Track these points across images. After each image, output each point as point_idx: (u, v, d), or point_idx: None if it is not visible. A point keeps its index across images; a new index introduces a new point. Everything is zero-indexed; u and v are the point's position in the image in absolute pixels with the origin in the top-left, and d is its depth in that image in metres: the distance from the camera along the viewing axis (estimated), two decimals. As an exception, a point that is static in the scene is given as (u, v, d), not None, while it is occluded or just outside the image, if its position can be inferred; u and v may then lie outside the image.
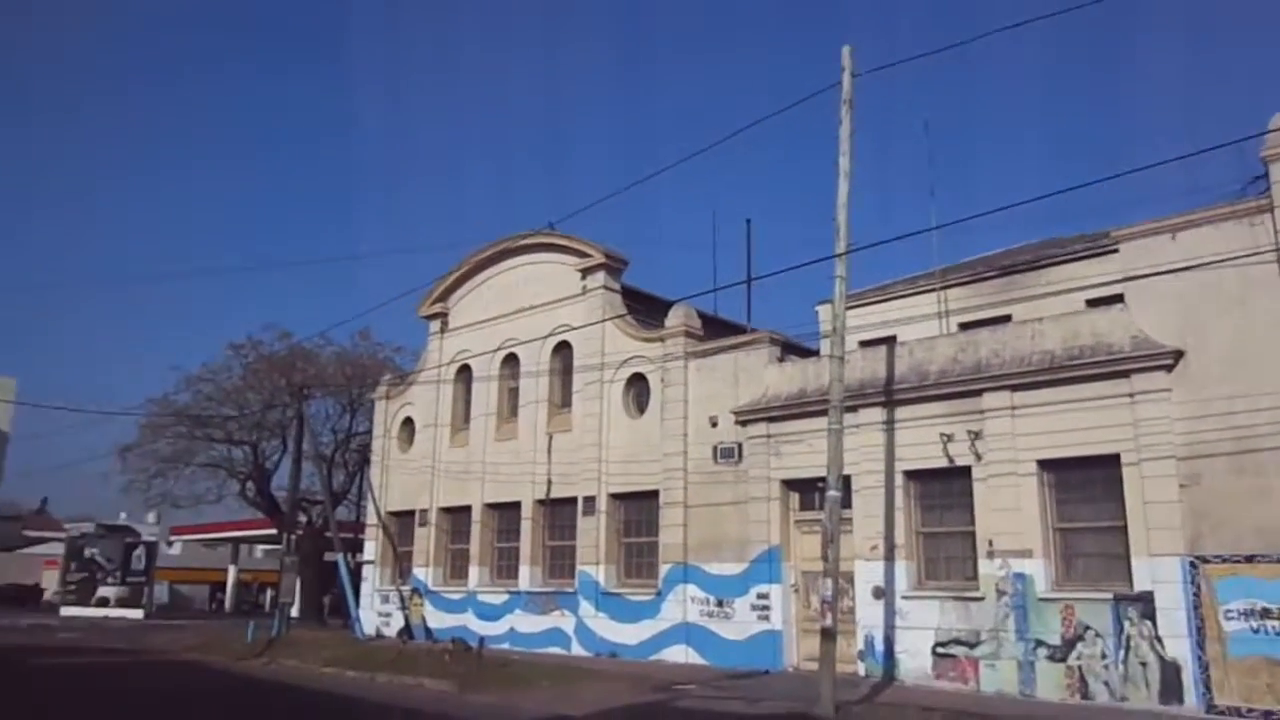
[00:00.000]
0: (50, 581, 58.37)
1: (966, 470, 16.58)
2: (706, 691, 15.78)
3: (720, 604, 19.98)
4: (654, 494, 21.89)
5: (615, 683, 16.82)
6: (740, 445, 20.20)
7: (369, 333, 40.58)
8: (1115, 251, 16.13)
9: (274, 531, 41.24)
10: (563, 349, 25.08)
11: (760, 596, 19.22)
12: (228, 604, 58.94)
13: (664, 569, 21.25)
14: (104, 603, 44.84)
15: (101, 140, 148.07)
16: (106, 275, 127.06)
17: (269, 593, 53.36)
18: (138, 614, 43.38)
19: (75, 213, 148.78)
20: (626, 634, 21.61)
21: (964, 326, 20.96)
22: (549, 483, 24.28)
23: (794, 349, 21.63)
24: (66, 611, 44.07)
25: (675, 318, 22.34)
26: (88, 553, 47.27)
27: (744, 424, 20.14)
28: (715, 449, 20.70)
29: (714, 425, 20.84)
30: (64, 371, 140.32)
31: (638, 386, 23.03)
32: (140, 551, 47.50)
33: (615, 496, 22.91)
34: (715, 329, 23.05)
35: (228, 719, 13.69)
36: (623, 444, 22.82)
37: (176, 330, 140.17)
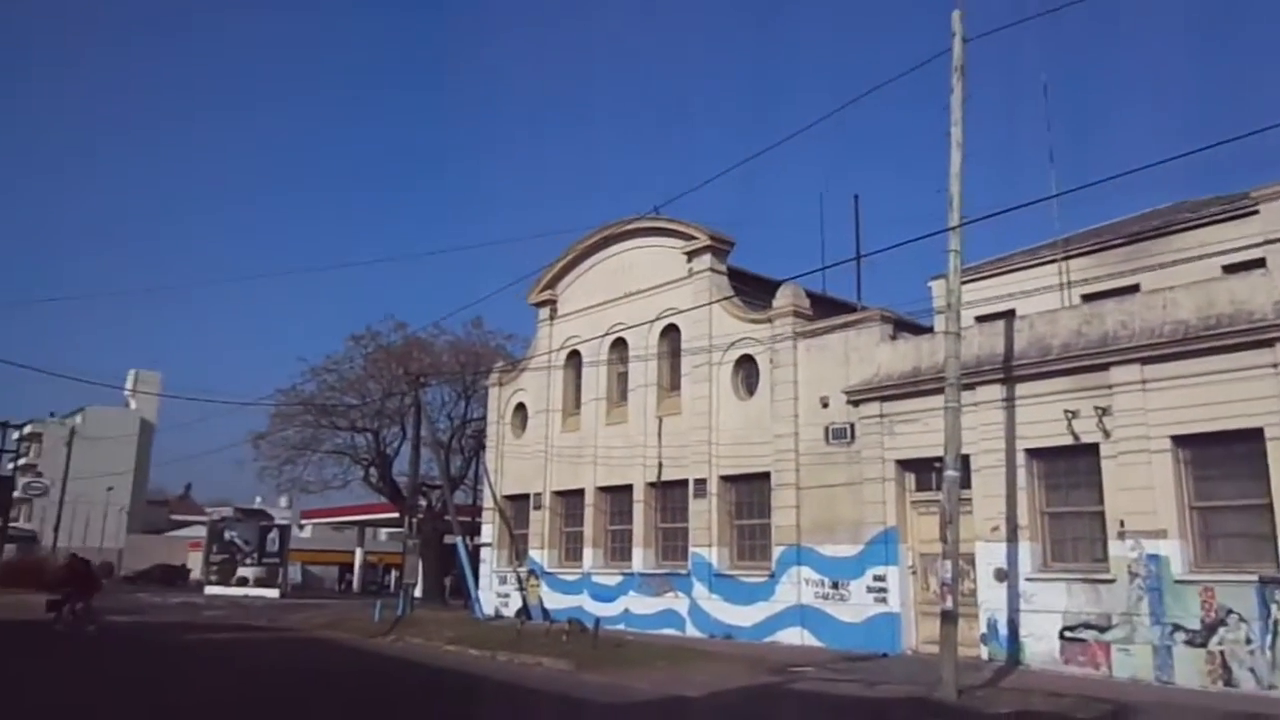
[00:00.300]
0: (195, 562, 62.12)
1: (1094, 448, 15.88)
2: (823, 674, 15.63)
3: (835, 586, 19.75)
4: (765, 476, 21.76)
5: (730, 664, 16.84)
6: (853, 425, 19.87)
7: (481, 321, 41.57)
8: (1255, 213, 15.18)
9: (396, 515, 42.82)
10: (670, 332, 25.13)
11: (876, 578, 18.90)
12: (355, 584, 61.60)
13: (777, 551, 21.13)
14: (243, 582, 47.52)
15: (235, 147, 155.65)
16: (239, 272, 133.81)
17: (393, 574, 55.33)
18: (274, 593, 45.79)
19: (209, 214, 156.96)
20: (741, 616, 21.60)
21: (1088, 298, 20.05)
22: (660, 465, 24.42)
23: (906, 326, 21.12)
24: (210, 590, 46.88)
25: (783, 298, 22.09)
26: (227, 535, 50.15)
27: (856, 404, 19.80)
28: (827, 430, 20.42)
29: (825, 406, 20.56)
30: (203, 365, 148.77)
31: (746, 368, 22.90)
32: (274, 534, 50.18)
33: (726, 478, 22.88)
34: (824, 308, 22.70)
35: (365, 692, 14.29)
36: (732, 426, 22.76)
37: (303, 323, 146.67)
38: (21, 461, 64.59)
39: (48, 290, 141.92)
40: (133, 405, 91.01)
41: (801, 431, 21.02)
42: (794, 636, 20.28)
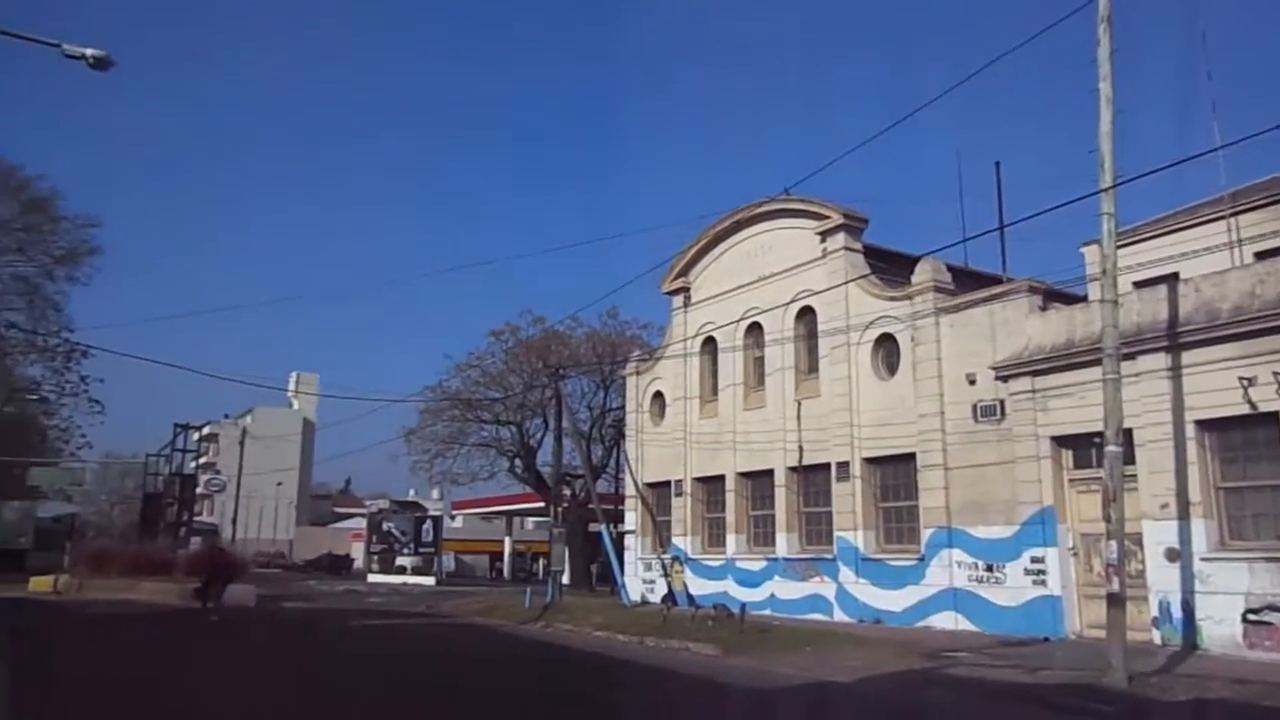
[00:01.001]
0: (357, 552, 65.49)
1: (1273, 416, 14.71)
2: (980, 659, 15.11)
3: (990, 569, 19.04)
4: (910, 456, 21.18)
5: (880, 649, 16.50)
6: (1002, 402, 19.08)
7: (617, 312, 42.13)
8: None
9: (542, 505, 43.93)
10: (806, 314, 24.75)
11: (1034, 560, 18.11)
12: (505, 572, 63.57)
13: (926, 533, 20.55)
14: (402, 570, 49.89)
15: (378, 154, 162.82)
16: (388, 275, 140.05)
17: (541, 562, 56.82)
18: (430, 581, 47.83)
19: (355, 219, 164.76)
20: (890, 600, 21.13)
21: (1261, 256, 18.56)
22: (800, 449, 24.13)
23: (1057, 296, 20.10)
24: (373, 578, 49.41)
25: (923, 273, 21.40)
26: (385, 527, 52.70)
27: (1005, 379, 18.99)
28: (975, 407, 19.69)
29: (972, 383, 19.82)
30: (357, 365, 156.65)
31: (886, 347, 22.32)
32: (428, 525, 52.43)
33: (869, 461, 22.39)
34: (967, 282, 21.85)
35: (525, 673, 14.78)
36: (874, 407, 22.24)
37: (448, 320, 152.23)
38: (202, 460, 69.75)
39: (218, 299, 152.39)
40: (295, 405, 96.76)
41: (947, 410, 20.33)
42: (947, 621, 19.69)
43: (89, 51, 13.52)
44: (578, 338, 41.57)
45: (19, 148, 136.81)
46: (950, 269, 21.64)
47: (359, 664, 15.74)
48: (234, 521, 62.81)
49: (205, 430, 66.75)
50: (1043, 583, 17.94)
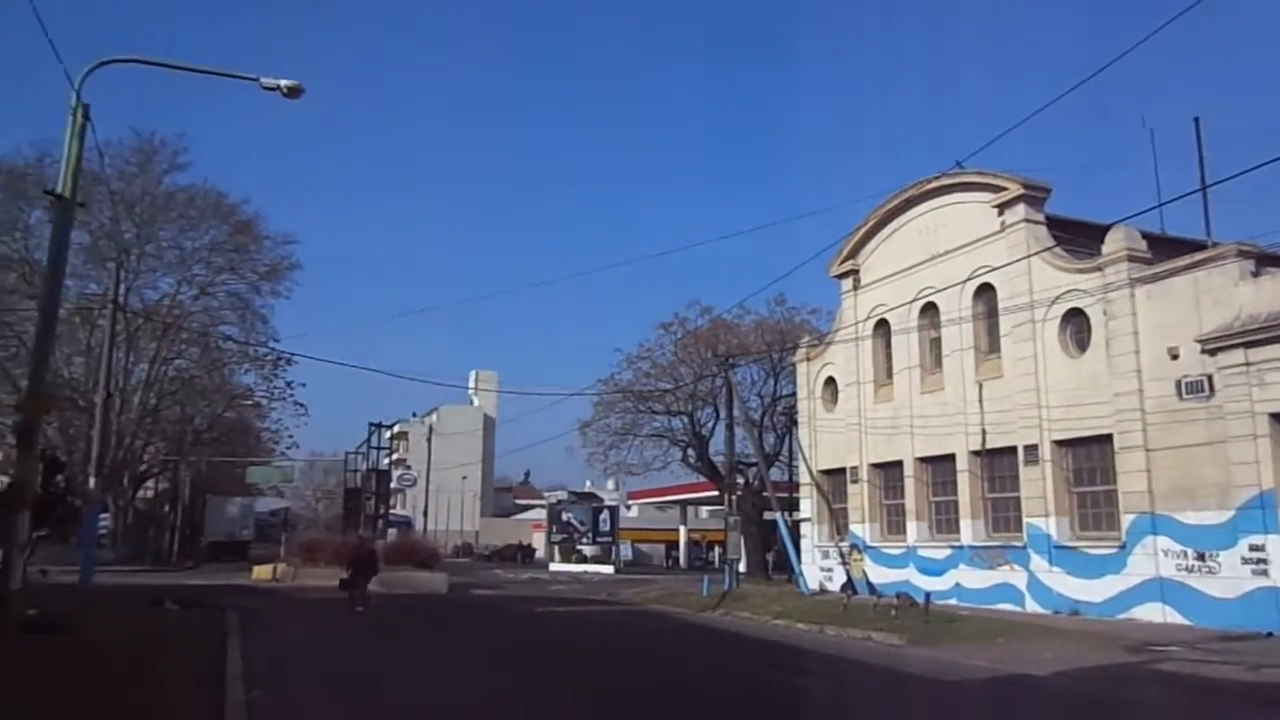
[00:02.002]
0: (538, 541, 67.95)
1: None
2: (1192, 654, 14.08)
3: (1201, 557, 17.67)
4: (1106, 438, 19.93)
5: (1078, 641, 15.65)
6: (1210, 377, 17.63)
7: (784, 298, 41.70)
8: None
9: (716, 493, 44.14)
10: (985, 292, 23.70)
11: (1253, 548, 16.67)
12: (681, 560, 64.28)
13: (1127, 519, 19.28)
14: (582, 559, 51.41)
15: (553, 147, 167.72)
16: (559, 271, 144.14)
17: (716, 550, 57.20)
18: (609, 569, 49.01)
19: (529, 217, 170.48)
20: (1088, 590, 19.96)
21: None
22: (983, 433, 23.15)
23: (1271, 260, 18.35)
24: (554, 567, 51.17)
25: (1114, 242, 20.05)
26: (565, 517, 54.48)
27: (1213, 353, 17.54)
28: (1179, 384, 18.28)
29: (1174, 358, 18.42)
30: (533, 361, 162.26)
31: (1075, 322, 21.07)
32: (605, 515, 53.82)
33: (1060, 443, 21.21)
34: (1165, 249, 20.29)
35: (708, 660, 14.95)
36: (1063, 386, 21.05)
37: (619, 314, 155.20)
38: (394, 457, 74.10)
39: (404, 303, 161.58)
40: (476, 402, 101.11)
41: (1146, 388, 18.99)
42: (1153, 613, 18.41)
43: (283, 82, 14.56)
44: (746, 326, 41.47)
45: (223, 173, 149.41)
46: (1145, 236, 20.18)
47: (550, 646, 16.36)
48: (425, 514, 66.48)
49: (396, 428, 70.82)
50: (1264, 572, 16.48)
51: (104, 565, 30.65)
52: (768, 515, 35.47)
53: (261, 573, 34.69)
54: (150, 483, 54.63)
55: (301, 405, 47.68)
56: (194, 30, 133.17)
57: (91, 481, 26.80)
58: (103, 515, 37.69)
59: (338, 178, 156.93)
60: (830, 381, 30.03)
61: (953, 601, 22.62)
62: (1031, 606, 21.16)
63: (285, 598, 22.80)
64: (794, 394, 34.64)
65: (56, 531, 23.39)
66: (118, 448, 40.70)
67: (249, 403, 50.39)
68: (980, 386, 23.45)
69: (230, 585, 29.32)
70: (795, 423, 34.24)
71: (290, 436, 52.74)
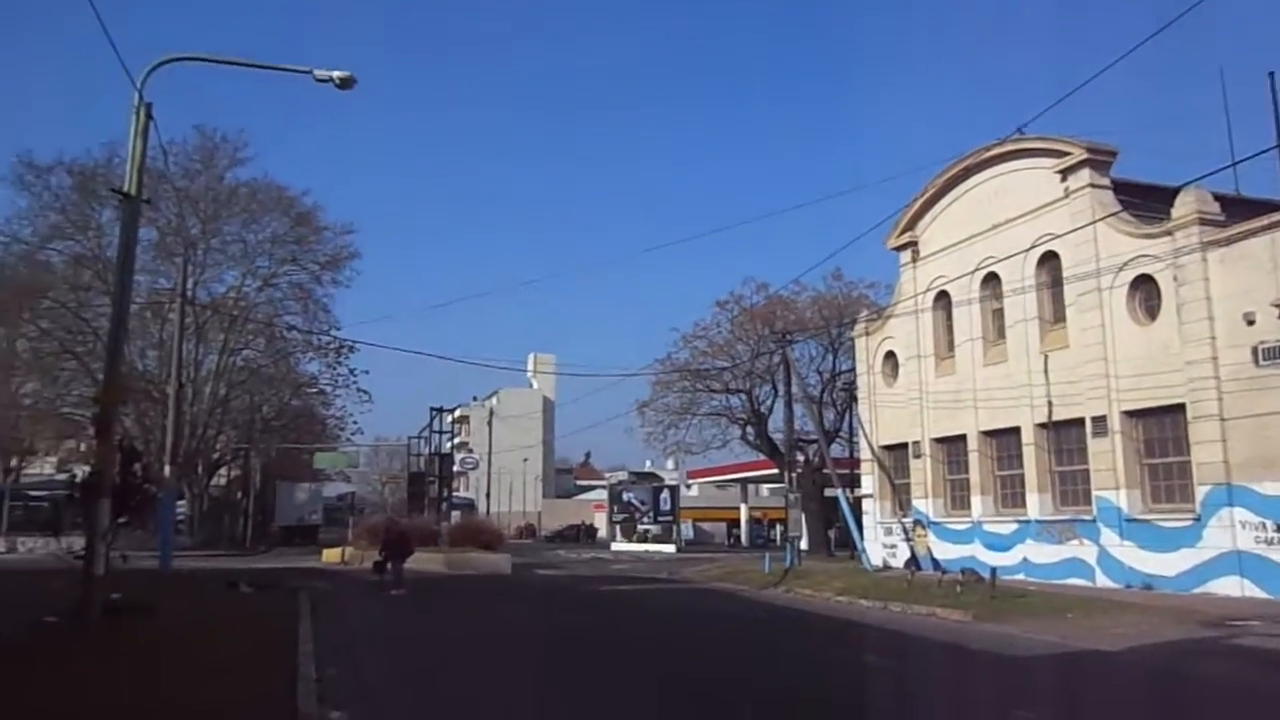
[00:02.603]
0: (599, 521, 68.47)
1: None
2: (1272, 629, 13.68)
3: (1281, 529, 17.10)
4: (1179, 408, 19.36)
5: (1152, 616, 15.28)
6: (1289, 342, 16.98)
7: (841, 273, 41.24)
8: None
9: (776, 471, 43.98)
10: (1049, 260, 23.13)
11: (1337, 519, 16.07)
12: (743, 538, 64.27)
13: (1201, 491, 18.73)
14: (643, 539, 51.68)
15: (619, 133, 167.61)
16: (613, 252, 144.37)
17: (778, 528, 56.98)
18: (670, 548, 49.19)
19: (582, 199, 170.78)
20: (1160, 564, 19.47)
21: None
22: (1049, 404, 22.65)
23: (1354, 218, 17.57)
24: (616, 546, 51.54)
25: (1185, 205, 19.37)
26: (625, 497, 54.81)
27: (1292, 317, 16.87)
28: (1255, 350, 17.66)
29: (1250, 323, 17.78)
30: (591, 342, 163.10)
31: (1144, 289, 20.45)
32: (666, 494, 53.99)
33: (1130, 414, 20.66)
34: (1239, 211, 19.55)
35: (772, 635, 14.95)
36: (1133, 355, 20.47)
37: (675, 293, 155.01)
38: (456, 440, 75.17)
39: (463, 288, 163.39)
40: (535, 385, 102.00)
41: (1221, 355, 18.38)
42: (1231, 587, 17.89)
43: (335, 74, 14.80)
44: (803, 302, 41.17)
45: (282, 166, 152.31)
46: (1218, 198, 19.47)
47: (613, 625, 16.50)
48: (487, 496, 67.44)
49: (457, 413, 71.82)
50: (1349, 543, 15.89)
51: (182, 550, 31.69)
52: (829, 492, 35.23)
53: (330, 556, 35.55)
54: (223, 470, 56.25)
55: (365, 392, 48.60)
56: (246, 26, 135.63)
57: (167, 470, 27.70)
58: (179, 502, 38.96)
59: (396, 163, 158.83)
60: (890, 356, 29.64)
61: (1020, 577, 22.24)
62: (1102, 581, 20.71)
63: (353, 580, 23.35)
64: (853, 369, 34.30)
65: (136, 518, 24.19)
66: (191, 437, 41.96)
67: (314, 390, 51.50)
68: (1045, 357, 22.93)
69: (301, 568, 30.11)
70: (855, 398, 33.90)
71: (355, 423, 53.91)
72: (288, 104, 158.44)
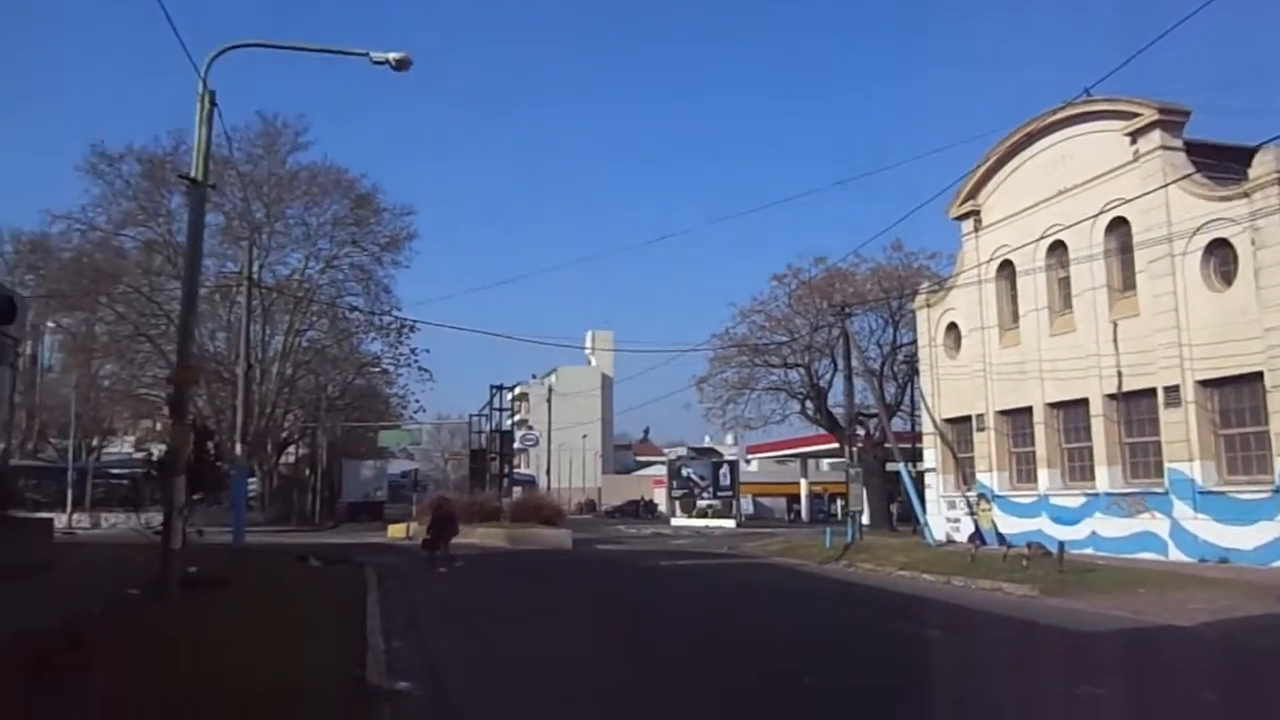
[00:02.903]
0: (659, 497, 68.77)
1: None
2: (1358, 603, 13.18)
3: (1366, 500, 16.47)
4: (1256, 376, 18.74)
5: (1229, 590, 14.88)
6: (1376, 306, 16.26)
7: (901, 244, 40.57)
8: None
9: (836, 445, 43.63)
10: (1118, 226, 22.45)
11: None
12: (803, 513, 64.02)
13: (1280, 462, 18.12)
14: (703, 514, 51.79)
15: (668, 109, 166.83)
16: (670, 227, 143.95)
17: (838, 502, 56.62)
18: (730, 523, 49.23)
19: (638, 174, 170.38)
20: (1238, 537, 18.91)
21: None
22: (1119, 374, 22.06)
23: None
24: (675, 522, 51.75)
25: (1263, 164, 18.61)
26: (685, 472, 54.92)
27: (1379, 280, 16.15)
28: (1338, 315, 16.95)
29: (1333, 286, 17.06)
30: (649, 318, 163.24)
31: (1220, 254, 19.75)
32: (725, 469, 54.00)
33: (1204, 383, 20.03)
34: (1322, 169, 18.71)
35: (835, 610, 14.91)
36: (1207, 323, 19.81)
37: (730, 268, 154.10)
38: (516, 418, 76.05)
39: (526, 266, 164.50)
40: (593, 362, 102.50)
41: (1302, 321, 17.68)
42: (1313, 560, 17.31)
43: (391, 56, 14.94)
44: (862, 274, 40.63)
45: (343, 150, 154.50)
46: (1299, 157, 18.66)
47: (675, 597, 16.61)
48: (548, 472, 68.11)
49: (517, 390, 72.56)
50: None
51: (253, 526, 32.64)
52: (890, 466, 34.88)
53: (395, 531, 36.32)
54: (291, 449, 57.76)
55: (426, 370, 49.38)
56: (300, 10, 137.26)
57: (238, 448, 28.51)
58: (250, 480, 40.14)
59: (454, 144, 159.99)
60: (952, 327, 29.13)
61: (1089, 551, 21.78)
62: (1175, 555, 20.20)
63: (418, 555, 23.73)
64: (914, 342, 33.83)
65: (210, 495, 24.99)
66: (260, 416, 43.13)
67: (377, 370, 52.52)
68: (1115, 326, 22.32)
69: (367, 544, 30.82)
70: (916, 371, 33.44)
71: (417, 401, 54.79)
72: (346, 87, 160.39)
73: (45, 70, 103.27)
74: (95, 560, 18.63)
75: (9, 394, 19.64)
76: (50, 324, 44.68)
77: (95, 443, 52.13)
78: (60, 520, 30.85)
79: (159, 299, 41.32)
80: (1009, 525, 25.18)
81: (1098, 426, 22.88)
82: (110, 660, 6.28)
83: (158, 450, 29.54)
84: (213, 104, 14.34)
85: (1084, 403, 23.37)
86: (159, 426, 46.85)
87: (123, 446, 57.88)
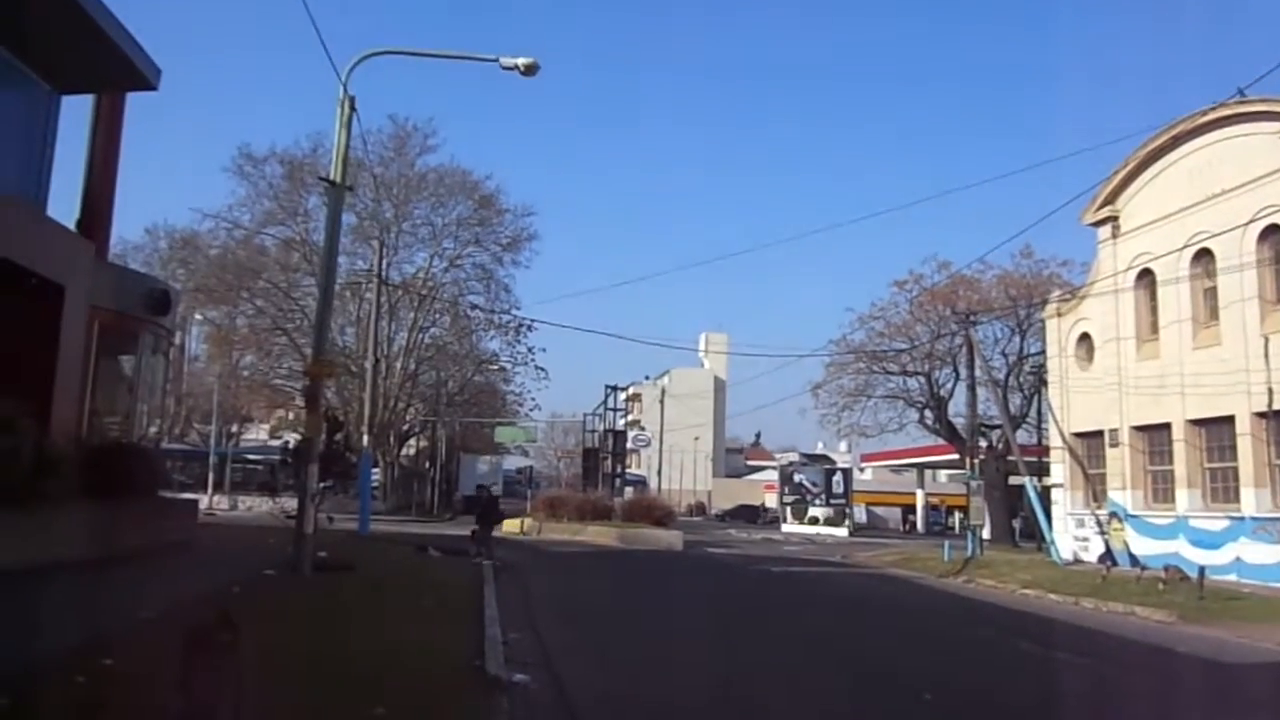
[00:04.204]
0: (770, 502, 68.16)
1: None
2: None
3: None
4: None
5: (1394, 627, 13.74)
6: None
7: (1031, 250, 39.08)
8: None
9: (955, 456, 42.37)
10: (1272, 234, 21.10)
11: None
12: (918, 525, 62.39)
13: None
14: (814, 521, 51.08)
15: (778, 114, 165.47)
16: (789, 230, 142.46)
17: (956, 515, 54.94)
18: (842, 532, 48.42)
19: (758, 179, 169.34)
20: (1404, 571, 17.45)
21: None
22: (1270, 392, 20.65)
23: None
24: (786, 528, 51.16)
25: None
26: (796, 479, 54.25)
27: None
28: None
29: None
30: (765, 322, 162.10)
31: (1390, 264, 18.28)
32: (838, 477, 53.10)
33: (1368, 403, 18.57)
34: None
35: (954, 626, 14.48)
36: (1373, 338, 18.35)
37: (847, 273, 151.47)
38: (629, 418, 76.66)
39: (641, 269, 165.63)
40: (706, 365, 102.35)
41: None
42: None
43: (520, 61, 15.30)
44: (988, 281, 39.33)
45: (469, 152, 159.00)
46: None
47: (787, 605, 16.43)
48: (659, 473, 68.40)
49: (630, 391, 73.12)
50: None
51: (375, 515, 33.89)
52: (1013, 480, 33.63)
53: (510, 526, 37.10)
54: (412, 441, 59.72)
55: (542, 369, 50.22)
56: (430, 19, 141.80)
57: (365, 439, 29.67)
58: (374, 470, 41.72)
59: (575, 148, 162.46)
60: (1085, 338, 27.86)
61: (1231, 577, 20.47)
62: (1331, 587, 18.79)
63: (532, 549, 24.29)
64: (1042, 352, 32.52)
65: (339, 483, 26.08)
66: (384, 409, 44.73)
67: (495, 367, 53.73)
68: (1267, 340, 20.92)
69: (484, 536, 31.53)
70: (1044, 382, 32.12)
71: (533, 399, 55.91)
72: (476, 91, 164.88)
73: (187, 70, 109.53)
74: (234, 540, 19.69)
75: (162, 381, 20.97)
76: (197, 316, 47.40)
77: (234, 429, 55.16)
78: (202, 502, 32.76)
79: (295, 295, 43.40)
80: (1142, 547, 23.91)
81: (1244, 446, 21.49)
82: (253, 636, 6.64)
83: (292, 438, 30.95)
84: (352, 109, 14.99)
85: (1229, 420, 21.99)
86: (292, 416, 49.22)
87: (259, 434, 61.08)
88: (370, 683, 6.75)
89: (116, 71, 14.59)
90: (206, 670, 4.41)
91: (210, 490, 40.16)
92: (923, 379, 41.64)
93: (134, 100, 16.73)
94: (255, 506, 39.12)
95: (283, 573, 13.15)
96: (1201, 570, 18.32)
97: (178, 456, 43.43)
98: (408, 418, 53.70)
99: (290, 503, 18.04)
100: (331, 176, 15.29)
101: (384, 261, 35.41)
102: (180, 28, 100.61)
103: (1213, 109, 22.37)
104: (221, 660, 4.50)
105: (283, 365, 46.41)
